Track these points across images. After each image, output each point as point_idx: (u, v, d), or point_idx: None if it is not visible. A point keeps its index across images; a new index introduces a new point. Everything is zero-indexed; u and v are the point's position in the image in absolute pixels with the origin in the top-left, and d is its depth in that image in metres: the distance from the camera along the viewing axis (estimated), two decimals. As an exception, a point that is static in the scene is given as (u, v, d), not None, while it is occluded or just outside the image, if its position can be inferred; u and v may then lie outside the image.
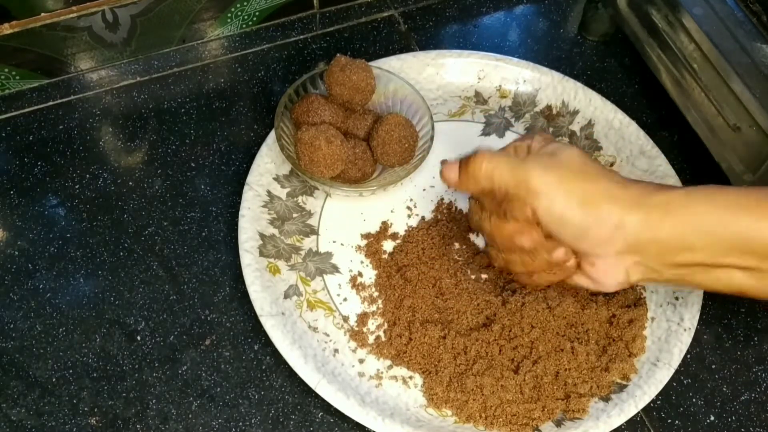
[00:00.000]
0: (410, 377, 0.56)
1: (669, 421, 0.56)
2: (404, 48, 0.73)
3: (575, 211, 0.48)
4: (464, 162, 0.52)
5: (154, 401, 0.54)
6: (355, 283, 0.59)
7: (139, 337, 0.57)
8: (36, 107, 0.67)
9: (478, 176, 0.51)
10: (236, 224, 0.60)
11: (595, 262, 0.49)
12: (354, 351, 0.56)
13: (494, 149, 0.53)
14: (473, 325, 0.57)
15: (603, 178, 0.48)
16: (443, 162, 0.54)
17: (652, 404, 0.56)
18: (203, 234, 0.62)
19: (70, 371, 0.55)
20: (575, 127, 0.68)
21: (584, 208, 0.48)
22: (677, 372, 0.56)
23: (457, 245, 0.61)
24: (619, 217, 0.47)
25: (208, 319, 0.58)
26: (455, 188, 0.54)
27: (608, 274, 0.50)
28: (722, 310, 0.60)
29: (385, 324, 0.57)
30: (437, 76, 0.69)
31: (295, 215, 0.62)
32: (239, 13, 0.72)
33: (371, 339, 0.57)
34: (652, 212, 0.47)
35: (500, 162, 0.50)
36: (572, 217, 0.48)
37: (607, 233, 0.47)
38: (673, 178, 0.64)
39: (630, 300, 0.59)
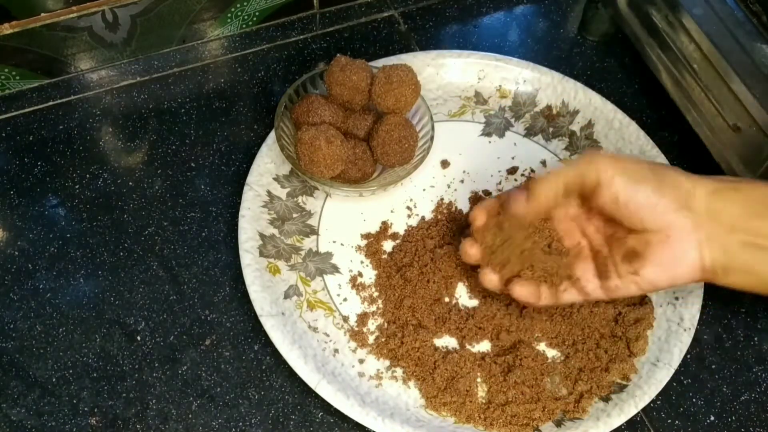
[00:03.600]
0: (410, 377, 0.56)
1: (669, 421, 0.56)
2: (404, 48, 0.73)
3: (650, 181, 0.49)
4: (573, 166, 0.50)
5: (154, 401, 0.54)
6: (355, 283, 0.59)
7: (139, 337, 0.57)
8: (36, 107, 0.67)
9: (588, 168, 0.50)
10: (236, 224, 0.60)
11: (669, 234, 0.49)
12: (354, 351, 0.56)
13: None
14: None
15: (673, 168, 0.51)
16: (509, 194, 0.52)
17: (652, 404, 0.56)
18: (203, 234, 0.62)
19: (70, 371, 0.55)
20: (575, 127, 0.68)
21: (658, 178, 0.49)
22: (677, 372, 0.56)
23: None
24: (690, 185, 0.49)
25: (208, 319, 0.58)
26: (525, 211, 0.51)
27: (682, 249, 0.49)
28: (722, 310, 0.60)
29: (385, 324, 0.57)
30: (437, 76, 0.69)
31: (295, 215, 0.62)
32: (239, 13, 0.72)
33: (371, 339, 0.57)
34: (721, 185, 0.49)
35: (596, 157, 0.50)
36: (647, 186, 0.49)
37: (680, 198, 0.49)
38: (673, 178, 0.64)
39: (636, 298, 0.58)
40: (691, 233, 0.49)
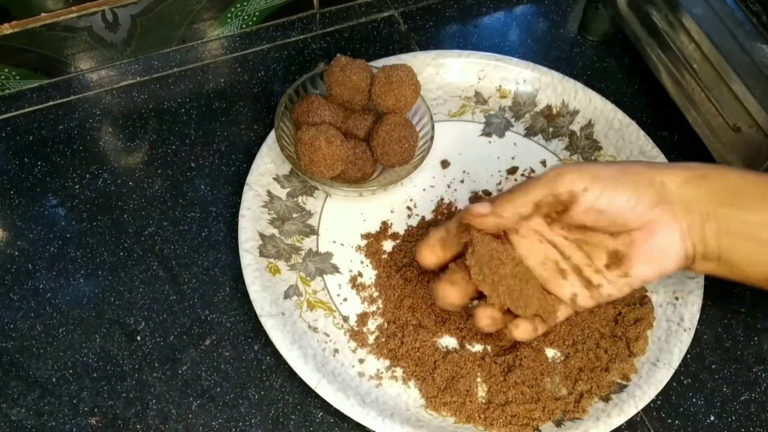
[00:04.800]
0: (410, 377, 0.56)
1: (669, 421, 0.56)
2: (404, 48, 0.73)
3: (624, 184, 0.49)
4: (537, 181, 0.50)
5: (154, 401, 0.54)
6: (355, 283, 0.59)
7: (139, 337, 0.57)
8: (36, 107, 0.67)
9: (557, 183, 0.49)
10: (236, 224, 0.60)
11: (652, 230, 0.49)
12: (354, 351, 0.56)
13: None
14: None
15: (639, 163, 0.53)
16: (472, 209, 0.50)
17: (652, 404, 0.56)
18: (203, 234, 0.62)
19: (70, 371, 0.55)
20: (575, 127, 0.68)
21: (631, 179, 0.49)
22: (677, 372, 0.56)
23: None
24: (661, 178, 0.49)
25: (208, 319, 0.58)
26: (483, 220, 0.50)
27: (667, 242, 0.49)
28: (722, 310, 0.60)
29: (385, 324, 0.57)
30: (437, 76, 0.69)
31: (295, 215, 0.62)
32: (239, 13, 0.72)
33: (371, 339, 0.57)
34: (690, 173, 0.49)
35: (566, 168, 0.50)
36: (622, 190, 0.49)
37: (655, 194, 0.49)
38: (673, 178, 0.64)
39: (636, 298, 0.58)
40: (673, 224, 0.49)
